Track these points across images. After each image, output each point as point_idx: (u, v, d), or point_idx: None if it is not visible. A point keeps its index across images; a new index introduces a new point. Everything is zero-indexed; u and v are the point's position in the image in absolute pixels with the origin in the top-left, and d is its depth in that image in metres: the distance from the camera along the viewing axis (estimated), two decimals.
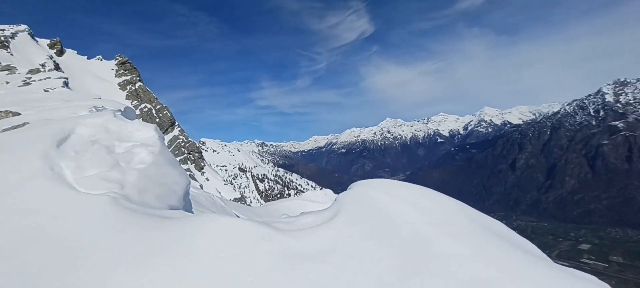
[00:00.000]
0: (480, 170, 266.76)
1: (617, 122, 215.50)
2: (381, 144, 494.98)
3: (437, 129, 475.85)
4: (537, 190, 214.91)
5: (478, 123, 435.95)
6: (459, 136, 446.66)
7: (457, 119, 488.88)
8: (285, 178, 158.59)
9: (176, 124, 51.56)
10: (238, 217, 6.28)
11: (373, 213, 3.77)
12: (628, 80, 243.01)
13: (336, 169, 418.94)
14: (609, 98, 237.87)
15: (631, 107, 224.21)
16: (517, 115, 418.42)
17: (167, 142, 48.64)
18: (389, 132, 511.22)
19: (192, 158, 48.95)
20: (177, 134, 50.30)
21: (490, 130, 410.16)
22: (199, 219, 3.47)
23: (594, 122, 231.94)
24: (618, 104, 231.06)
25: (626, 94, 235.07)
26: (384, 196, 4.04)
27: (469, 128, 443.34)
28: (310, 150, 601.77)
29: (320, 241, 3.37)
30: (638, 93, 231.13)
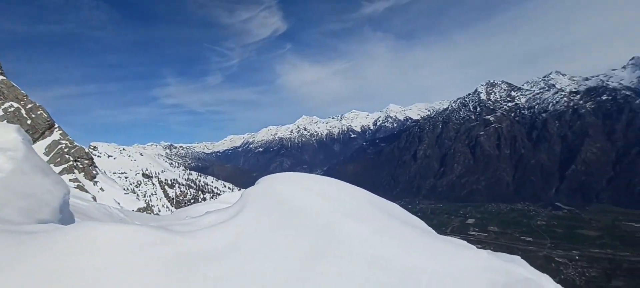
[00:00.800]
0: (388, 162, 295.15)
1: (489, 116, 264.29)
2: (298, 141, 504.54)
3: (350, 125, 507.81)
4: (433, 177, 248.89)
5: (385, 119, 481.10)
6: (370, 131, 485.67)
7: (368, 115, 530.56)
8: (199, 181, 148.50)
9: (56, 126, 43.23)
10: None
11: (280, 205, 3.84)
12: (496, 82, 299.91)
13: (254, 168, 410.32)
14: (483, 96, 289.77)
15: (499, 104, 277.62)
16: (417, 111, 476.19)
17: (45, 148, 40.44)
18: (305, 129, 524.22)
19: (81, 166, 41.77)
20: (57, 138, 42.20)
21: (395, 125, 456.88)
22: (73, 230, 2.97)
23: (473, 117, 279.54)
24: (489, 101, 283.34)
25: (495, 93, 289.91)
26: (292, 188, 4.15)
27: (378, 124, 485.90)
28: (226, 150, 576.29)
29: (222, 238, 3.27)
30: (503, 92, 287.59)
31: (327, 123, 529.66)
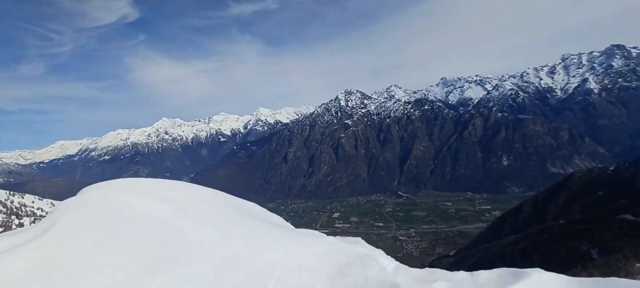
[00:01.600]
0: (260, 165, 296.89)
1: (348, 121, 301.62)
2: (158, 146, 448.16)
3: (219, 129, 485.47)
4: (303, 177, 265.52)
5: (256, 122, 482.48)
6: (240, 135, 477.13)
7: (238, 118, 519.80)
8: (11, 202, 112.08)
9: None
10: None
11: (112, 216, 3.21)
12: (352, 91, 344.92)
13: (99, 180, 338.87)
14: (343, 103, 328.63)
15: (355, 110, 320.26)
16: (286, 115, 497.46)
17: None
18: (166, 132, 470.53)
19: None
20: None
21: (266, 128, 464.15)
22: None
23: (335, 121, 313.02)
24: (348, 108, 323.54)
25: (352, 100, 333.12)
26: (129, 195, 3.56)
27: (249, 127, 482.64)
28: (54, 160, 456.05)
29: (15, 268, 2.62)
30: (358, 100, 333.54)
31: (192, 126, 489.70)
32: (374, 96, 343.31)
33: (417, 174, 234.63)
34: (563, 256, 69.83)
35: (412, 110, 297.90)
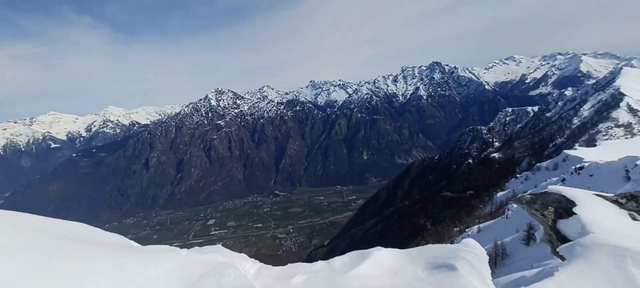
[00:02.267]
0: (112, 174, 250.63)
1: (220, 121, 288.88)
2: None
3: (48, 132, 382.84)
4: (170, 184, 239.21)
5: (103, 123, 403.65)
6: (82, 139, 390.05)
7: (77, 119, 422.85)
8: None
9: None
10: None
11: None
12: (224, 90, 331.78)
13: None
14: (213, 102, 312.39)
15: (227, 110, 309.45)
16: (144, 115, 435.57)
17: None
18: None
19: None
20: None
21: (118, 131, 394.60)
22: None
23: (206, 121, 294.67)
24: (219, 107, 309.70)
25: (223, 100, 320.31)
26: None
27: (93, 129, 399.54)
28: None
29: None
30: (230, 100, 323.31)
31: (4, 129, 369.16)
32: (247, 96, 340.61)
33: (292, 172, 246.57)
34: (409, 230, 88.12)
35: (284, 110, 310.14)
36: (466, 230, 41.35)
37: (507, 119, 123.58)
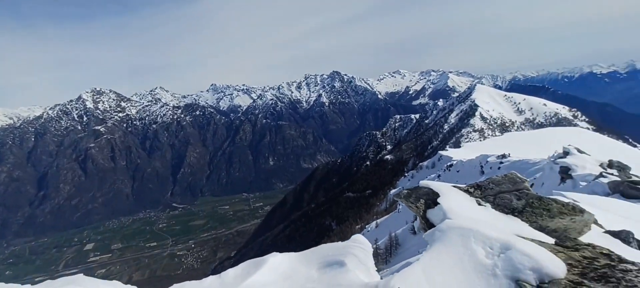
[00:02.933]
0: None
1: (100, 127, 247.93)
2: None
3: None
4: (29, 205, 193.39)
5: None
6: None
7: None
8: None
9: None
10: None
11: None
12: (104, 90, 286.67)
13: None
14: (90, 104, 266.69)
15: (109, 114, 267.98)
16: None
17: None
18: None
19: None
20: None
21: None
22: None
23: (79, 127, 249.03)
24: (98, 110, 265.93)
25: (104, 102, 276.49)
26: None
27: None
28: None
29: None
30: (112, 102, 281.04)
31: None
32: (135, 98, 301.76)
33: (192, 182, 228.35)
34: (316, 232, 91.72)
35: (182, 115, 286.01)
36: (366, 226, 45.07)
37: (396, 124, 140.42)
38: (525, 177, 4.62)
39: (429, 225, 4.61)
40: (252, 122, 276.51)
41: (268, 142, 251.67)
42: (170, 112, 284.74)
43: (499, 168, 32.99)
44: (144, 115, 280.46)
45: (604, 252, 3.26)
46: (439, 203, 4.53)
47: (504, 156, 34.37)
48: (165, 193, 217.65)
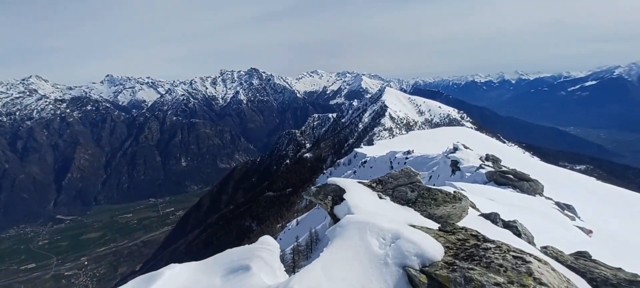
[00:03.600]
0: None
1: None
2: None
3: None
4: None
5: None
6: None
7: None
8: None
9: None
10: None
11: None
12: None
13: None
14: None
15: None
16: None
17: None
18: None
19: None
20: None
21: None
22: None
23: None
24: None
25: None
26: None
27: None
28: None
29: None
30: None
31: None
32: (1, 89, 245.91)
33: (83, 189, 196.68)
34: (235, 234, 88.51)
35: (68, 110, 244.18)
36: (287, 224, 45.29)
37: (315, 123, 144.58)
38: (417, 171, 5.29)
39: (335, 220, 4.93)
40: (160, 119, 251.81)
41: (180, 141, 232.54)
42: (50, 106, 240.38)
43: (405, 163, 36.69)
44: (14, 109, 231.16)
45: (474, 233, 3.91)
46: (344, 199, 4.89)
47: (409, 152, 38.39)
48: (46, 204, 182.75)
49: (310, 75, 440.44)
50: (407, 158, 37.26)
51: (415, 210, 4.64)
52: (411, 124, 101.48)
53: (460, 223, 4.39)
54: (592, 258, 3.98)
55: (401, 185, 5.01)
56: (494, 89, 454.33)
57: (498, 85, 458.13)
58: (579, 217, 9.01)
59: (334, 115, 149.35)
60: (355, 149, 63.42)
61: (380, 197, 4.93)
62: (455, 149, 19.72)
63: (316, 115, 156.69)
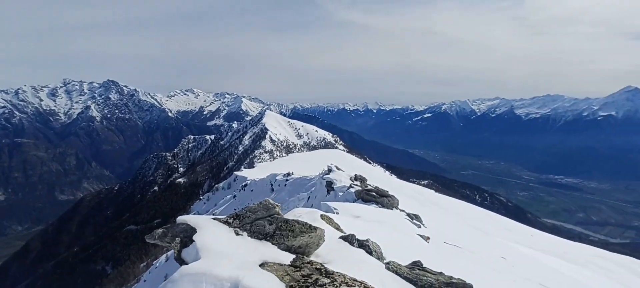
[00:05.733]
0: None
1: None
2: None
3: None
4: None
5: None
6: None
7: None
8: None
9: None
10: None
11: None
12: None
13: None
14: None
15: None
16: None
17: None
18: None
19: None
20: None
21: None
22: None
23: None
24: None
25: None
26: None
27: None
28: None
29: None
30: None
31: None
32: None
33: None
34: (80, 282, 71.76)
35: None
36: (154, 262, 39.99)
37: (190, 145, 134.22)
38: (276, 203, 5.21)
39: (183, 265, 4.37)
40: None
41: None
42: None
43: (285, 185, 38.09)
44: None
45: (318, 267, 4.27)
46: (194, 241, 4.34)
47: (289, 174, 40.10)
48: None
49: (185, 94, 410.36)
50: (287, 180, 38.79)
51: (273, 243, 4.59)
52: (291, 146, 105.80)
53: (322, 248, 4.94)
54: (423, 266, 4.69)
55: (259, 218, 4.92)
56: (361, 116, 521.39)
57: (363, 113, 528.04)
58: (424, 225, 11.01)
59: (212, 137, 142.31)
60: (235, 172, 61.93)
61: (237, 234, 4.66)
62: (330, 171, 21.77)
63: (191, 137, 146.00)
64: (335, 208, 9.45)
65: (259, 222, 4.89)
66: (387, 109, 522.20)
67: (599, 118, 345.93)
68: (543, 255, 20.12)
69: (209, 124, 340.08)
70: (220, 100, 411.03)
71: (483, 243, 14.01)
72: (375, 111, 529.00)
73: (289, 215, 6.08)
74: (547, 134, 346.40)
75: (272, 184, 40.82)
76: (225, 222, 4.90)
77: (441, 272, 4.46)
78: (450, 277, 4.35)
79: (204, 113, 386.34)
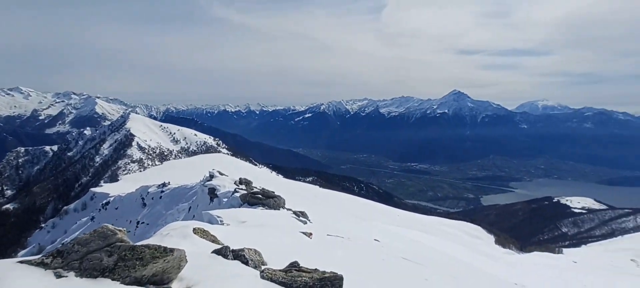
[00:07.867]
0: None
1: None
2: None
3: None
4: None
5: None
6: None
7: None
8: None
9: None
10: None
11: None
12: None
13: None
14: None
15: None
16: None
17: None
18: None
19: None
20: None
21: None
22: None
23: None
24: None
25: None
26: None
27: None
28: None
29: None
30: None
31: None
32: None
33: None
34: None
35: None
36: None
37: (21, 160, 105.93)
38: (120, 228, 4.02)
39: None
40: None
41: None
42: None
43: (161, 197, 34.18)
44: None
45: None
46: None
47: (164, 184, 36.06)
48: None
49: (8, 94, 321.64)
50: (162, 191, 34.85)
51: (114, 279, 3.44)
52: (165, 153, 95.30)
53: (186, 270, 4.17)
54: (299, 266, 4.65)
55: (94, 250, 3.58)
56: (243, 118, 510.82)
57: (246, 115, 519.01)
58: (310, 221, 11.41)
59: (55, 147, 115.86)
60: (93, 189, 52.07)
61: (59, 276, 3.31)
62: (212, 177, 20.66)
63: (22, 149, 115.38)
64: (218, 217, 8.98)
65: (94, 255, 3.44)
66: (270, 110, 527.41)
67: (437, 115, 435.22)
68: (407, 230, 23.91)
69: (49, 131, 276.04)
70: (63, 101, 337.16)
71: (361, 229, 15.66)
72: (258, 112, 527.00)
73: (155, 236, 5.20)
74: (404, 129, 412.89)
75: (143, 198, 36.00)
76: (41, 263, 3.28)
77: (316, 269, 4.49)
78: (323, 272, 4.39)
79: (40, 118, 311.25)
